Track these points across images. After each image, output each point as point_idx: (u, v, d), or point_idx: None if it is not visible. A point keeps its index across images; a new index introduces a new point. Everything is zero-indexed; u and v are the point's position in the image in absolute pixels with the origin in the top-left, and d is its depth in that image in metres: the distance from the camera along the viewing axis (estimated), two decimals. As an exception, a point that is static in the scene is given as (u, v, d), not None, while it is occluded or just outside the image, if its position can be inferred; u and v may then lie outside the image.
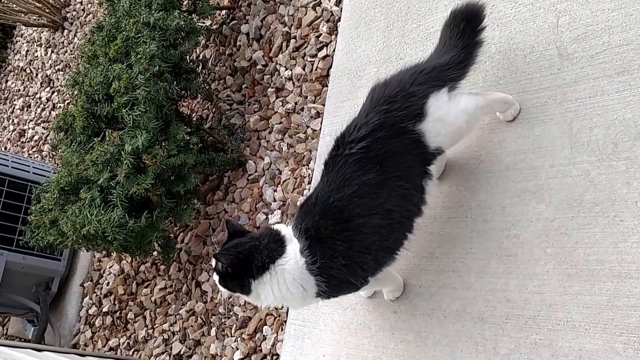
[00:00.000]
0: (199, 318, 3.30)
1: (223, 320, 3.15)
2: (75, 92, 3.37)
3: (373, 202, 2.00)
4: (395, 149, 2.03)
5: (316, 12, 3.31)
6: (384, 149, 2.01)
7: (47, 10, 5.79)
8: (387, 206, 2.03)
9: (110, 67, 3.17)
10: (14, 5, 5.92)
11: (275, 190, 3.17)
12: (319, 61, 3.18)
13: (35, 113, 5.72)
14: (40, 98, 5.75)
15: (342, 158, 2.02)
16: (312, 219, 2.03)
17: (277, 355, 2.82)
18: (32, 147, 5.53)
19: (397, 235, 2.10)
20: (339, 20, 3.13)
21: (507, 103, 2.27)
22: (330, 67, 3.10)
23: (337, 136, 2.09)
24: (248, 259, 1.99)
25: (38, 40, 6.19)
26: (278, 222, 3.05)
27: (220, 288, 2.07)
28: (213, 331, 3.19)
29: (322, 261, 1.98)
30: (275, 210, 3.11)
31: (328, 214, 2.01)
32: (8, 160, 4.16)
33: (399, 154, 2.04)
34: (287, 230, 2.09)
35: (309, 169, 3.03)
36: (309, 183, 2.98)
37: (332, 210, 2.00)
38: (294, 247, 2.03)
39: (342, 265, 2.01)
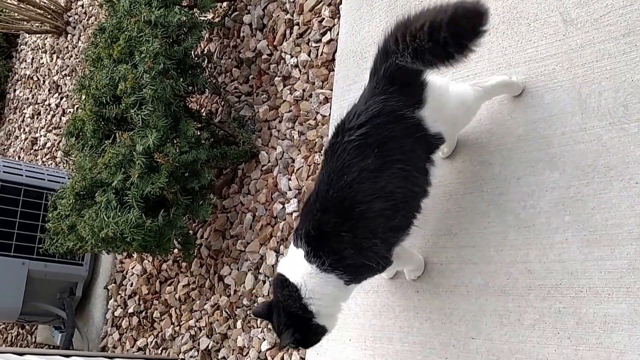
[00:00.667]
0: (224, 312, 3.33)
1: (248, 312, 3.17)
2: (83, 97, 3.38)
3: (374, 186, 1.99)
4: (395, 134, 2.01)
5: (317, -3, 3.30)
6: (383, 134, 2.00)
7: (49, 17, 5.81)
8: (389, 188, 2.01)
9: (115, 68, 3.17)
10: (16, 14, 5.94)
11: (289, 179, 3.17)
12: (324, 46, 3.17)
13: (46, 120, 5.74)
14: (49, 105, 5.77)
15: (341, 145, 2.01)
16: (312, 217, 2.04)
17: (304, 342, 2.84)
18: (46, 155, 5.56)
19: (404, 215, 2.09)
20: (341, 3, 3.11)
21: (508, 85, 2.25)
22: (335, 51, 3.08)
23: (337, 123, 2.08)
24: (293, 321, 2.06)
25: (42, 47, 6.21)
26: (295, 211, 3.06)
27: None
28: (239, 324, 3.21)
29: (331, 259, 2.01)
30: (291, 199, 3.12)
31: (329, 206, 2.01)
32: (22, 169, 4.19)
33: (398, 138, 2.02)
34: (286, 261, 2.13)
35: (321, 155, 3.03)
36: (323, 169, 2.98)
37: (333, 202, 2.00)
38: (300, 268, 2.06)
39: (352, 254, 2.02)
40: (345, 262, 2.03)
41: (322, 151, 2.06)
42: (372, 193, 1.99)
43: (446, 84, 2.13)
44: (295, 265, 2.08)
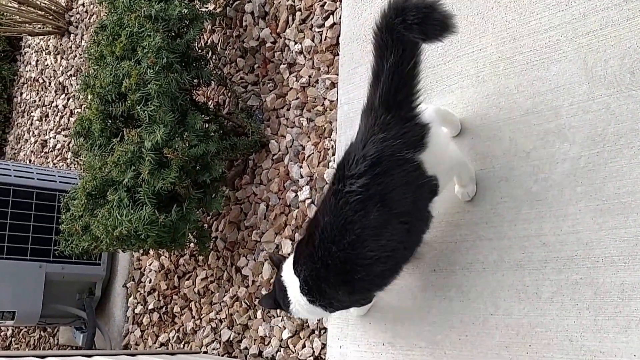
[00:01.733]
0: (243, 303, 3.35)
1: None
2: (89, 96, 3.39)
3: (376, 244, 2.04)
4: (396, 183, 2.02)
5: (317, -20, 3.28)
6: (384, 183, 2.01)
7: (51, 17, 5.82)
8: (391, 246, 2.07)
9: (118, 65, 3.17)
10: (17, 17, 5.95)
11: (301, 167, 3.17)
12: (327, 30, 3.16)
13: (54, 122, 5.77)
14: (56, 106, 5.79)
15: (343, 196, 2.03)
16: (313, 266, 2.13)
17: (325, 329, 2.86)
18: (56, 157, 5.59)
19: (404, 264, 2.24)
20: (341, -14, 3.10)
21: (469, 177, 2.31)
22: (339, 35, 3.07)
23: (338, 165, 2.11)
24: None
25: (46, 49, 6.22)
26: (308, 198, 3.07)
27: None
28: (259, 314, 3.23)
29: (323, 302, 2.20)
30: (303, 186, 3.12)
31: (330, 264, 2.08)
32: (33, 172, 4.22)
33: (399, 187, 2.03)
34: (287, 269, 2.28)
35: (331, 140, 3.03)
36: (333, 154, 2.98)
37: (334, 261, 2.06)
38: (294, 289, 2.23)
39: (344, 303, 2.30)
40: (334, 305, 2.26)
41: (324, 189, 2.18)
42: (373, 256, 2.05)
43: (445, 135, 2.25)
44: (291, 283, 2.25)
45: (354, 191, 2.00)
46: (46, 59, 6.18)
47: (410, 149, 2.02)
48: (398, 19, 1.95)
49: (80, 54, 5.57)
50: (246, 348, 3.26)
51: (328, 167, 3.01)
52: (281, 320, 3.08)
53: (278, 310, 3.10)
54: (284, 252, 3.12)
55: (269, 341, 3.13)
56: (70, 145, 5.28)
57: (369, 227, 2.01)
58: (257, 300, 3.12)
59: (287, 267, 2.27)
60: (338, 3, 3.11)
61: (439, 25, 1.94)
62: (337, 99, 3.01)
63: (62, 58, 5.89)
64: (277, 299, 2.33)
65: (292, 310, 2.29)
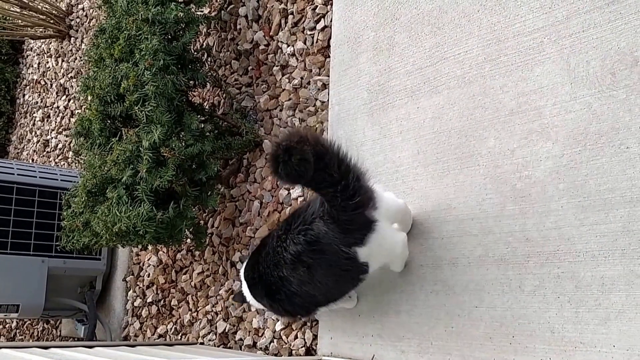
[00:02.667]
0: (238, 296, 3.40)
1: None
2: (88, 97, 3.43)
3: (299, 288, 2.31)
4: (326, 264, 2.26)
5: (309, -16, 3.34)
6: (315, 260, 2.25)
7: (52, 21, 5.87)
8: (311, 294, 2.34)
9: (117, 67, 3.22)
10: (20, 21, 6.02)
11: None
12: (319, 33, 3.21)
13: (56, 122, 5.83)
14: (58, 107, 5.85)
15: (282, 245, 2.28)
16: (252, 274, 2.46)
17: (316, 321, 2.92)
18: (58, 156, 5.64)
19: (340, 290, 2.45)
20: (333, -10, 3.15)
21: (400, 264, 2.49)
22: (330, 38, 3.12)
23: (292, 213, 2.43)
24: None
25: (47, 52, 6.28)
26: (300, 196, 3.13)
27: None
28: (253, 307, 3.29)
29: (262, 303, 2.52)
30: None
31: (263, 280, 2.39)
32: (35, 171, 4.27)
33: (328, 267, 2.27)
34: (242, 270, 2.59)
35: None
36: (325, 154, 3.03)
37: (266, 280, 2.37)
38: (245, 287, 2.55)
39: (273, 309, 2.54)
40: (272, 308, 2.52)
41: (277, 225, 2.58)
42: (295, 292, 2.33)
43: (391, 230, 2.35)
44: (244, 282, 2.56)
45: (289, 250, 2.25)
46: (48, 62, 6.24)
47: (349, 246, 2.20)
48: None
49: (80, 57, 5.61)
50: (241, 339, 3.32)
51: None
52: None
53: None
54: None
55: (263, 333, 3.19)
56: (71, 144, 5.33)
57: (295, 277, 2.28)
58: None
59: (243, 269, 2.57)
60: (329, 7, 3.16)
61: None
62: (328, 100, 3.07)
63: (63, 61, 5.95)
64: (242, 293, 2.59)
65: (250, 302, 2.57)
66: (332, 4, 3.12)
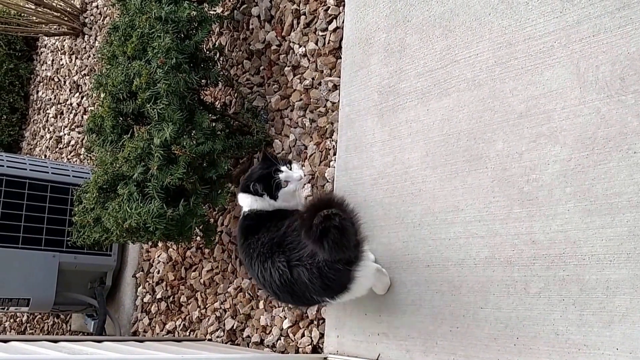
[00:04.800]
0: (246, 293, 3.43)
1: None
2: (101, 94, 3.46)
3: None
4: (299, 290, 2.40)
5: (322, -14, 3.35)
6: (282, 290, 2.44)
7: (66, 19, 5.91)
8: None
9: (129, 65, 3.24)
10: (34, 18, 6.06)
11: (303, 165, 3.23)
12: (330, 34, 3.22)
13: (69, 119, 5.87)
14: (71, 104, 5.90)
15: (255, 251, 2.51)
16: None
17: (323, 319, 2.94)
18: (70, 152, 5.69)
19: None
20: (345, -9, 3.17)
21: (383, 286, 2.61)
22: (341, 39, 3.14)
23: (284, 231, 2.49)
24: None
25: (61, 49, 6.33)
26: (309, 196, 3.15)
27: None
28: (261, 304, 3.31)
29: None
30: (305, 184, 3.18)
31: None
32: (48, 167, 4.32)
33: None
34: None
35: (332, 140, 3.10)
36: (334, 154, 3.05)
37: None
38: None
39: None
40: None
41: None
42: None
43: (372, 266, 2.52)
44: None
45: (269, 272, 2.43)
46: (61, 59, 6.28)
47: (321, 296, 2.39)
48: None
49: (93, 54, 5.66)
50: (248, 336, 3.35)
51: (329, 166, 3.08)
52: (282, 311, 3.17)
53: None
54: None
55: (270, 330, 3.22)
56: (84, 141, 5.38)
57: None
58: None
59: None
60: (341, 8, 3.17)
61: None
62: (339, 101, 3.08)
63: (76, 58, 5.99)
64: None
65: None
66: (344, 5, 3.13)
